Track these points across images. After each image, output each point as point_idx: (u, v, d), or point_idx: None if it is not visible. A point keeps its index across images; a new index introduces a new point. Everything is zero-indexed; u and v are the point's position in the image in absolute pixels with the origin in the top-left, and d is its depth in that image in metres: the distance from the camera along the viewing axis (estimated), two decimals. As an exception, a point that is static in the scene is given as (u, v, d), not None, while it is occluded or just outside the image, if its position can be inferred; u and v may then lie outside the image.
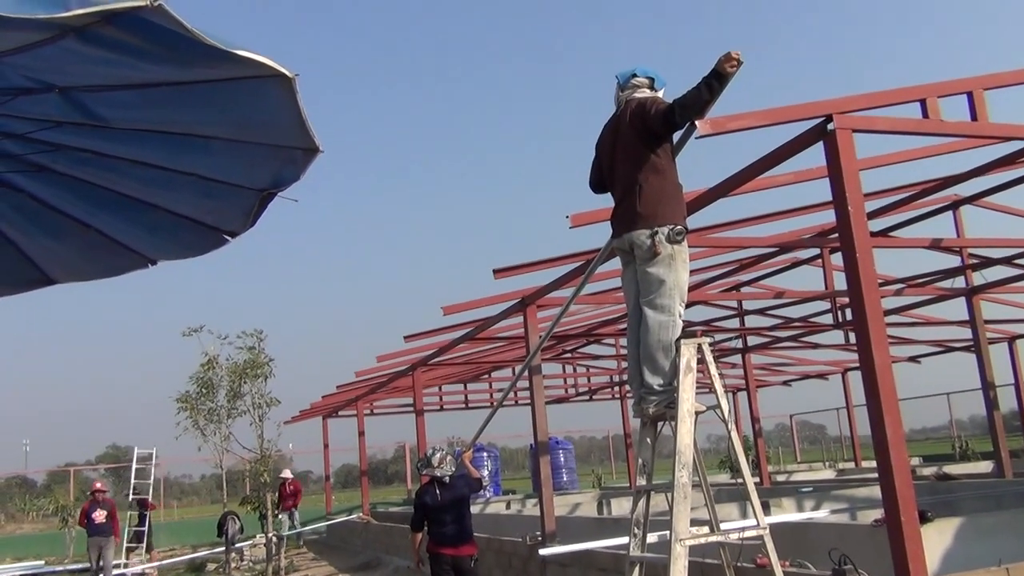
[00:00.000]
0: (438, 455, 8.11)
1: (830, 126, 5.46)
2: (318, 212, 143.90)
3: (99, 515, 14.77)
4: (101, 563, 14.86)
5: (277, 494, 20.04)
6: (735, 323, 15.25)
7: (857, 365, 5.49)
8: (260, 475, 13.41)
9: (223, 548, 18.09)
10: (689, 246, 5.23)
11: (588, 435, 52.33)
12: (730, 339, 16.74)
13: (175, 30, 2.75)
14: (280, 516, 19.82)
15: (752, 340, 16.91)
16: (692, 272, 11.47)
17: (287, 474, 21.32)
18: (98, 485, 15.68)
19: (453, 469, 8.15)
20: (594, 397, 24.79)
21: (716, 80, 4.73)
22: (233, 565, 17.70)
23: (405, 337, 13.48)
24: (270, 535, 13.49)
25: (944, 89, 5.91)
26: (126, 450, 68.96)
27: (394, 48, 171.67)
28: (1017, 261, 11.97)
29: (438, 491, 7.97)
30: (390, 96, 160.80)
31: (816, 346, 17.86)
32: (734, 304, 14.65)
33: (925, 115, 5.82)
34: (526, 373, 9.78)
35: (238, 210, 4.26)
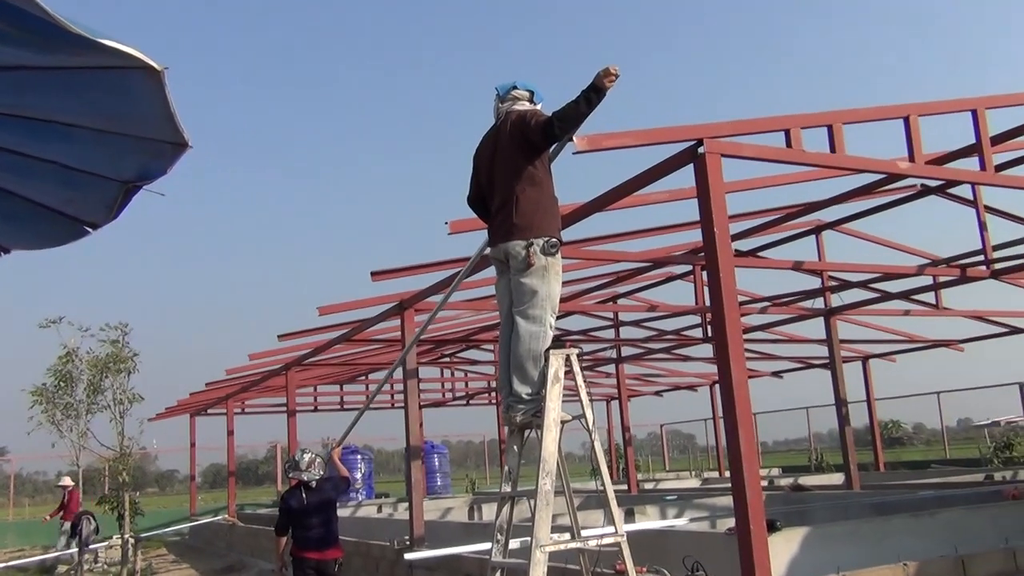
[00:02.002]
0: (307, 457, 7.99)
1: (700, 149, 5.69)
2: (190, 206, 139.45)
3: None
4: None
5: (60, 506, 18.47)
6: (610, 333, 15.61)
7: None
8: (119, 474, 12.86)
9: (76, 549, 17.26)
10: (566, 257, 5.35)
11: (465, 439, 52.33)
12: (605, 349, 17.13)
13: (37, 15, 2.64)
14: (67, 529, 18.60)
15: (626, 351, 17.35)
16: (569, 282, 11.80)
17: (67, 482, 18.96)
18: None
19: (322, 472, 8.05)
20: (471, 402, 24.89)
21: (594, 93, 4.87)
22: (86, 567, 16.89)
23: (279, 336, 13.22)
24: (127, 536, 12.96)
25: (806, 121, 6.25)
26: (-25, 444, 64.90)
27: (276, 45, 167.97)
28: (872, 285, 12.72)
29: (304, 494, 7.85)
30: (271, 93, 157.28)
31: (687, 358, 18.48)
32: (610, 315, 15.00)
33: (789, 144, 6.14)
34: (399, 374, 9.76)
35: (100, 201, 4.09)
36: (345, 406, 23.24)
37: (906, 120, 6.76)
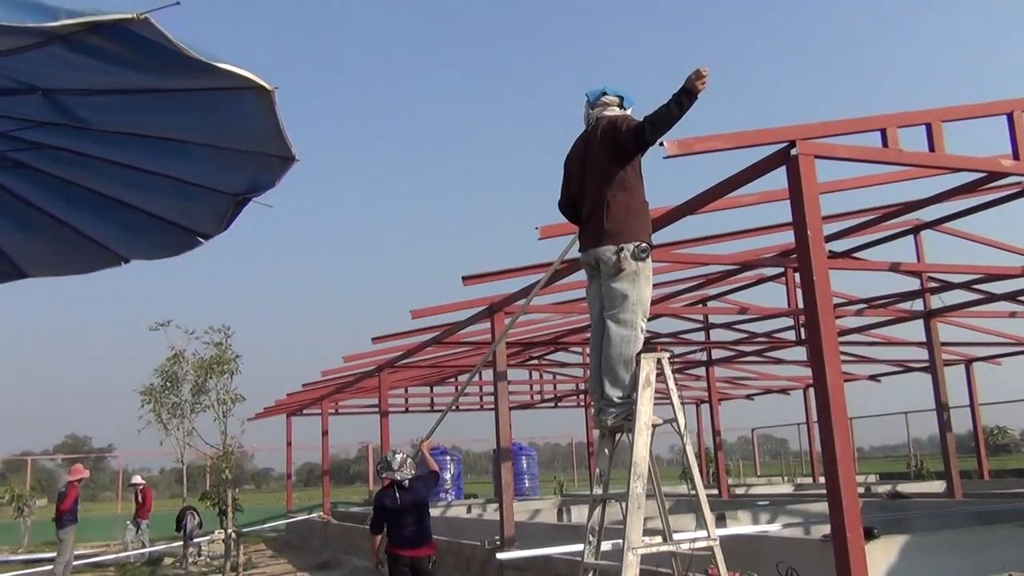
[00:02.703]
0: (399, 458, 8.18)
1: (793, 151, 5.62)
2: (292, 214, 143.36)
3: None
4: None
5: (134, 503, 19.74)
6: (700, 336, 15.46)
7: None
8: (222, 471, 13.35)
9: (181, 543, 18.00)
10: (656, 260, 5.36)
11: (553, 442, 52.40)
12: (695, 352, 16.97)
13: (159, 42, 2.83)
14: (131, 525, 19.52)
15: (716, 353, 17.14)
16: (658, 284, 11.75)
17: (138, 480, 20.57)
18: None
19: (413, 472, 8.23)
20: (559, 404, 24.93)
21: (686, 96, 4.86)
22: (191, 560, 17.61)
23: (373, 339, 13.52)
24: (229, 531, 13.45)
25: (904, 120, 6.10)
26: (84, 440, 68.01)
27: (372, 56, 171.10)
28: (975, 286, 12.28)
29: (397, 494, 8.04)
30: (368, 102, 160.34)
31: (779, 361, 18.15)
32: (700, 318, 14.86)
33: (885, 144, 6.01)
34: (489, 375, 9.88)
35: (212, 213, 4.34)
36: (435, 408, 23.58)
37: (1009, 116, 6.54)
